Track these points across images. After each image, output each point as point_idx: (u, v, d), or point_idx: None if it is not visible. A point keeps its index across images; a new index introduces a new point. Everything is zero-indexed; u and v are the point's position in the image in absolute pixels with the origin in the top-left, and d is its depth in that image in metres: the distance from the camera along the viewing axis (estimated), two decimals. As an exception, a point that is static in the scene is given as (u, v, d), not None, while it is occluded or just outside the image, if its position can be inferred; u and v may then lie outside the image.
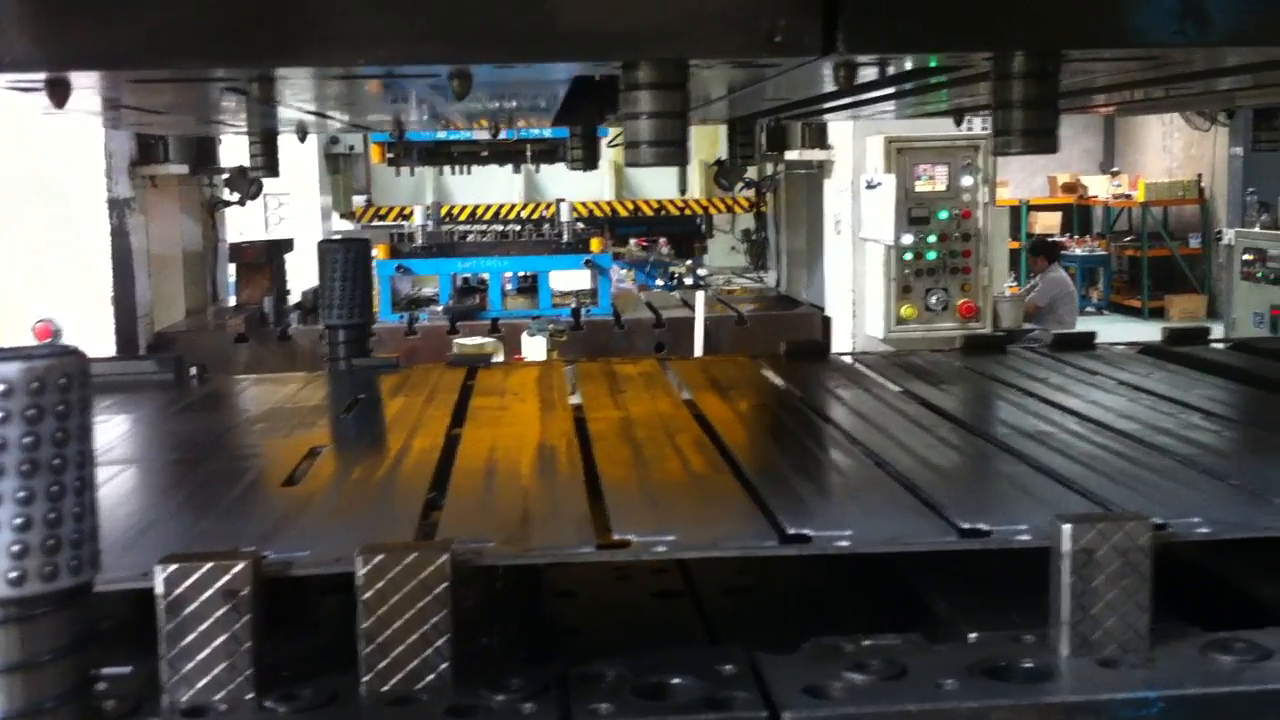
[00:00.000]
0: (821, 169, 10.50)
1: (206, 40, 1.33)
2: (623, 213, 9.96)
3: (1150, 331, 15.52)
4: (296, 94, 2.07)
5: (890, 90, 2.19)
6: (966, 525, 1.68)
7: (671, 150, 1.37)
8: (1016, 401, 2.51)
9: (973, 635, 1.63)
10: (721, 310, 9.74)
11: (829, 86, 1.95)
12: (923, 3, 1.34)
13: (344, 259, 3.29)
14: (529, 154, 9.40)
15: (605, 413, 2.40)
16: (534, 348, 8.22)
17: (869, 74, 1.72)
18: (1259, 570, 1.81)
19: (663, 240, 15.46)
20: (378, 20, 1.31)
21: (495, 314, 9.08)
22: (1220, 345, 3.14)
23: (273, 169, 2.78)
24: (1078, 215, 21.92)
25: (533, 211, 10.19)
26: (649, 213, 10.47)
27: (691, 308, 9.04)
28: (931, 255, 9.38)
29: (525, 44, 1.35)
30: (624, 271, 10.48)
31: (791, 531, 1.66)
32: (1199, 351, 3.02)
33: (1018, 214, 21.10)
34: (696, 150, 11.21)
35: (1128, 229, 21.22)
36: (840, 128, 9.01)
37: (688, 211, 10.69)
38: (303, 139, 3.69)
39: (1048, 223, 21.45)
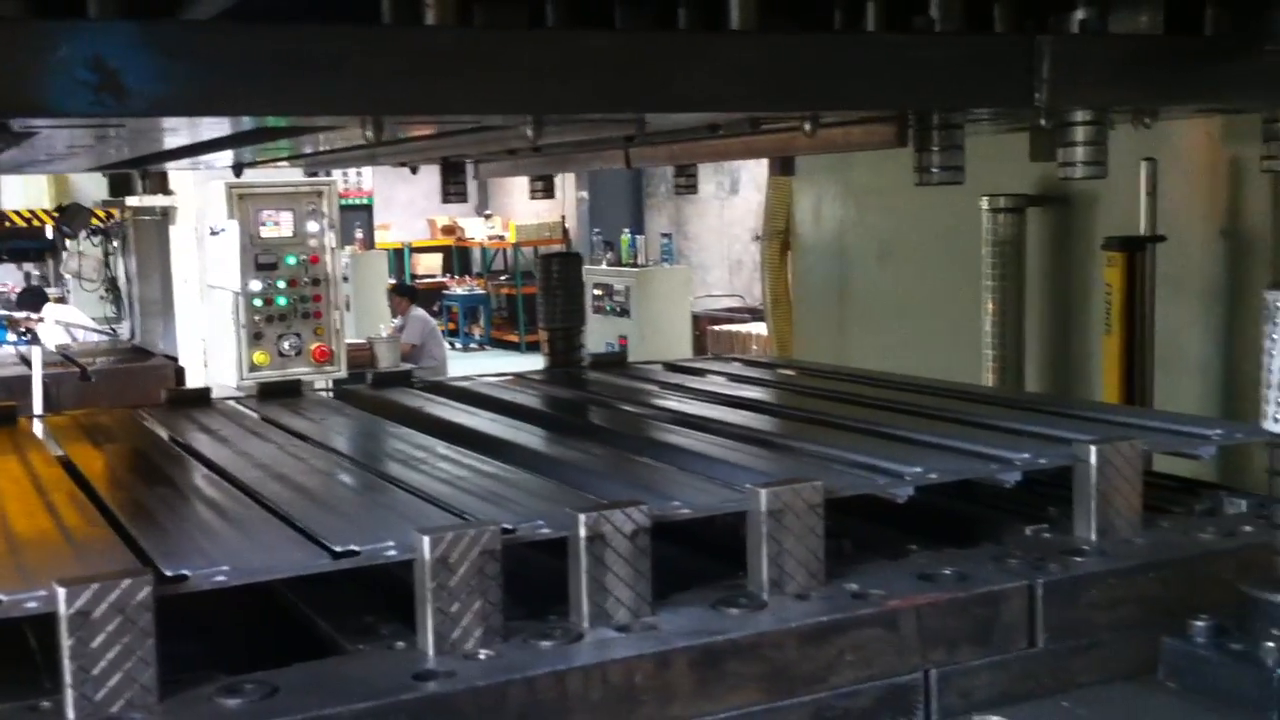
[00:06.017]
0: (167, 216, 10.14)
1: None
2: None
3: (529, 363, 16.39)
4: None
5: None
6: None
7: None
8: (176, 457, 2.52)
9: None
10: (65, 366, 9.08)
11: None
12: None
13: None
14: None
15: None
16: None
17: None
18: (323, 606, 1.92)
19: (10, 285, 14.22)
20: None
21: None
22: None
23: None
24: (458, 256, 22.91)
25: None
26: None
27: (29, 364, 8.36)
28: (282, 301, 9.37)
29: None
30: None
31: None
32: (390, 393, 3.21)
33: (401, 256, 21.70)
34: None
35: (504, 268, 22.47)
36: (183, 174, 8.71)
37: (35, 223, 9.83)
38: None
39: (430, 264, 22.24)
